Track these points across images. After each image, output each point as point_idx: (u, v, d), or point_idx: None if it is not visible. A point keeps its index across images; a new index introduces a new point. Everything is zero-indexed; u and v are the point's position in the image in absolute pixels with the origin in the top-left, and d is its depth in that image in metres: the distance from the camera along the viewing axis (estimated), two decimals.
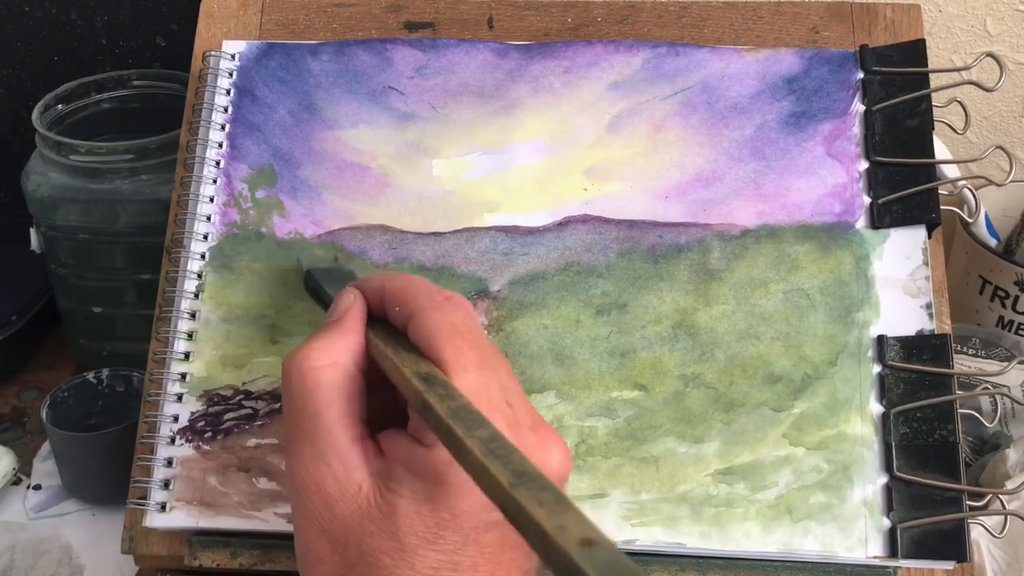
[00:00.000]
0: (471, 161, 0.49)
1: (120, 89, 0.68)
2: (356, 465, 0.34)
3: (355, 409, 0.35)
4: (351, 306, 0.37)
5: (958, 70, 0.49)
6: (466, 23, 0.53)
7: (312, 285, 0.44)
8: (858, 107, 0.48)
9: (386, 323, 0.37)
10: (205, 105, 0.51)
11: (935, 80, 0.48)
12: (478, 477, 0.28)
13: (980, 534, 0.46)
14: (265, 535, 0.44)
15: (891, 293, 0.45)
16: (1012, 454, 0.50)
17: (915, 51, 0.49)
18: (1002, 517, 0.43)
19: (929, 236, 0.46)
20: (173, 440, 0.46)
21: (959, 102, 0.49)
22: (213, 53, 0.51)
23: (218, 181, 0.49)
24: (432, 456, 0.32)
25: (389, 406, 0.37)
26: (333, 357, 0.35)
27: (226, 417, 0.46)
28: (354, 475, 0.33)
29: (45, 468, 0.61)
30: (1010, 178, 0.47)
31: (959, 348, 0.59)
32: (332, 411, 0.34)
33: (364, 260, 0.48)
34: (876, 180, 0.47)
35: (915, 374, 0.44)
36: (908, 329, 0.45)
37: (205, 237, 0.49)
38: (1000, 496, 0.43)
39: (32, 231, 0.64)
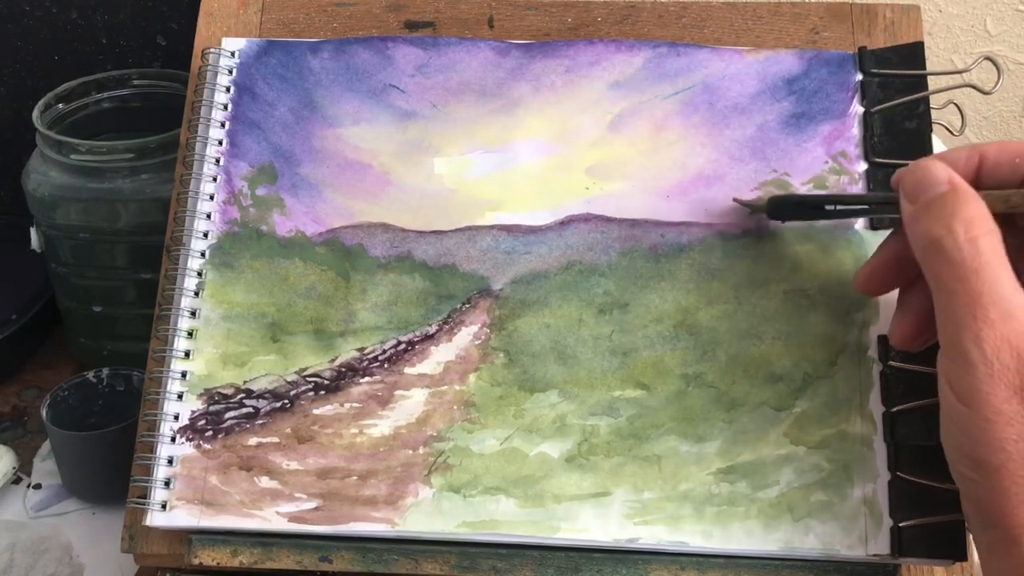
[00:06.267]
0: (473, 159, 0.49)
1: (120, 88, 0.68)
2: None
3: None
4: (948, 173, 0.36)
5: (957, 72, 0.49)
6: (466, 22, 0.53)
7: (796, 202, 0.45)
8: (857, 109, 0.48)
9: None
10: (205, 102, 0.51)
11: (934, 82, 0.49)
12: None
13: None
14: (266, 534, 0.44)
15: (890, 294, 0.45)
16: None
17: (913, 54, 0.49)
18: None
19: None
20: (173, 439, 0.46)
21: (955, 104, 0.49)
22: (213, 50, 0.51)
23: (218, 179, 0.49)
24: None
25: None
26: (989, 223, 0.35)
27: (227, 416, 0.46)
28: None
29: (45, 467, 0.61)
30: None
31: None
32: (1010, 274, 0.34)
33: (365, 258, 0.48)
34: (875, 181, 0.47)
35: (915, 374, 0.44)
36: None
37: (205, 235, 0.49)
38: None
39: (32, 230, 0.64)
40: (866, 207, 0.44)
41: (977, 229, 0.34)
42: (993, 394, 0.33)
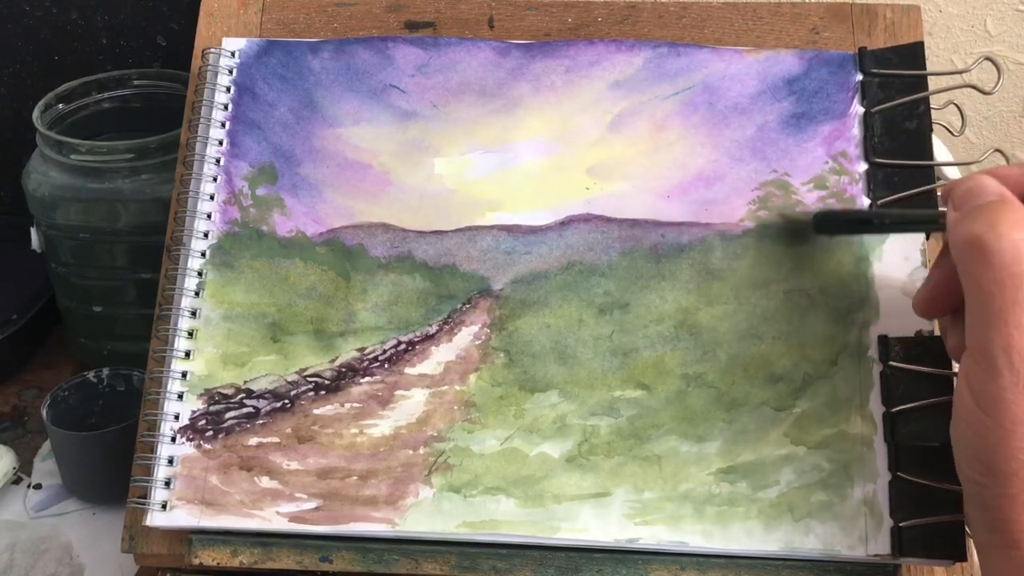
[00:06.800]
0: (473, 159, 0.49)
1: (121, 88, 0.68)
2: None
3: None
4: (999, 187, 0.36)
5: (957, 72, 0.49)
6: (467, 23, 0.53)
7: (843, 219, 0.45)
8: (857, 109, 0.48)
9: None
10: (205, 102, 0.51)
11: (934, 82, 0.49)
12: None
13: None
14: (266, 534, 0.44)
15: (890, 294, 0.45)
16: None
17: (913, 54, 0.49)
18: None
19: (927, 237, 0.46)
20: (174, 439, 0.46)
21: (955, 104, 0.49)
22: (213, 50, 0.51)
23: (218, 179, 0.49)
24: None
25: None
26: None
27: (227, 416, 0.46)
28: None
29: (45, 467, 0.61)
30: None
31: None
32: None
33: (365, 258, 0.48)
34: (875, 182, 0.47)
35: (915, 374, 0.44)
36: (907, 330, 0.45)
37: (206, 235, 0.49)
38: None
39: (33, 230, 0.64)
40: (912, 223, 0.44)
41: (1021, 233, 0.33)
42: (1016, 403, 0.33)
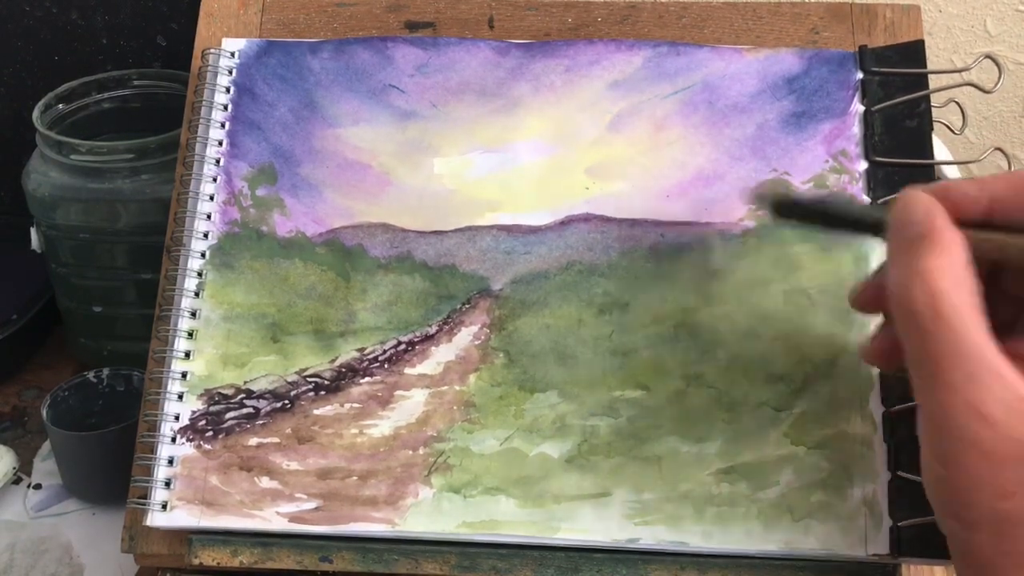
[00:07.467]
0: (472, 159, 0.49)
1: (121, 89, 0.68)
2: (1014, 378, 0.31)
3: (985, 322, 0.32)
4: (934, 215, 0.33)
5: (957, 71, 0.49)
6: (466, 23, 0.53)
7: (804, 206, 0.41)
8: (857, 107, 0.48)
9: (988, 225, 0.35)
10: (205, 103, 0.51)
11: (934, 81, 0.49)
12: None
13: None
14: (266, 534, 0.44)
15: None
16: None
17: (914, 52, 0.49)
18: None
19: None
20: (174, 439, 0.46)
21: (956, 103, 0.49)
22: (212, 51, 0.52)
23: (218, 179, 0.50)
24: None
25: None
26: (956, 275, 0.32)
27: (227, 416, 0.46)
28: (1018, 388, 0.31)
29: (45, 467, 0.61)
30: None
31: None
32: (976, 332, 0.32)
33: (365, 258, 0.48)
34: (875, 180, 0.47)
35: None
36: None
37: (205, 235, 0.49)
38: None
39: (32, 230, 0.64)
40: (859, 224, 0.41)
41: (942, 282, 0.32)
42: (967, 462, 0.32)
